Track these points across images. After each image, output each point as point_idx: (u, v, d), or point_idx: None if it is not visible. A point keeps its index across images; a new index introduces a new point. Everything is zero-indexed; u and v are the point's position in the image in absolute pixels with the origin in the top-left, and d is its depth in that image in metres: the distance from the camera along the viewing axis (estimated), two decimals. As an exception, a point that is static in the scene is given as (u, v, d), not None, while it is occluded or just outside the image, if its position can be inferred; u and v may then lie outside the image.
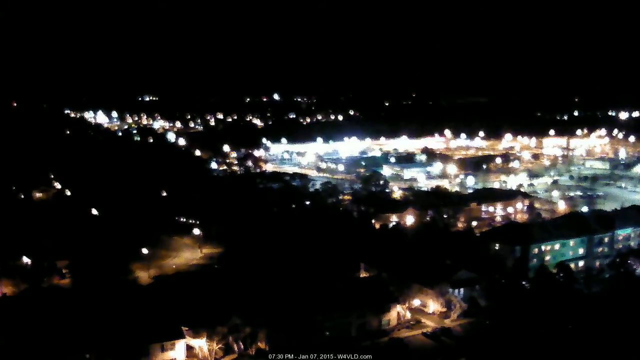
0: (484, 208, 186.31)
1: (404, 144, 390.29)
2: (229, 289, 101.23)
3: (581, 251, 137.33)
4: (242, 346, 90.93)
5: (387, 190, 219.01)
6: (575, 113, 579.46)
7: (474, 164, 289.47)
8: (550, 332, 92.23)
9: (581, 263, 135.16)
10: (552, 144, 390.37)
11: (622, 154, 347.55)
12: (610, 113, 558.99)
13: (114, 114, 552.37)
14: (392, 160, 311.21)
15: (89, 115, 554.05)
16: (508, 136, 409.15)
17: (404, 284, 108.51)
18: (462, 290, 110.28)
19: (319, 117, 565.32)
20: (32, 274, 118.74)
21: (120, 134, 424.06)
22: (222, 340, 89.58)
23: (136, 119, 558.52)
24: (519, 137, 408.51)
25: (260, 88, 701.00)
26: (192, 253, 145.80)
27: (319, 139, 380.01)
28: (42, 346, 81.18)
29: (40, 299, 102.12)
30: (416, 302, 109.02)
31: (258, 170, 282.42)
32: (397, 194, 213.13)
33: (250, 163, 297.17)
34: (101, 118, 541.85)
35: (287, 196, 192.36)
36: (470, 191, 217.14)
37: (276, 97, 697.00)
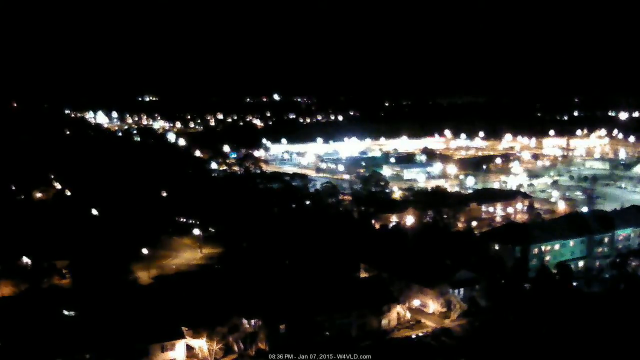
0: (484, 208, 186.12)
1: (404, 144, 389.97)
2: (229, 289, 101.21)
3: (581, 251, 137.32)
4: (242, 346, 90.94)
5: (387, 191, 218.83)
6: (575, 113, 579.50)
7: (474, 164, 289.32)
8: (550, 332, 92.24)
9: (581, 263, 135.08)
10: (552, 144, 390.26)
11: (622, 154, 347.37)
12: (610, 113, 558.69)
13: (114, 114, 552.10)
14: (392, 160, 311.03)
15: (89, 116, 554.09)
16: (508, 136, 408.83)
17: (404, 284, 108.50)
18: (462, 290, 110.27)
19: (319, 117, 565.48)
20: (32, 274, 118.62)
21: (120, 134, 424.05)
22: (222, 340, 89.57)
23: (136, 119, 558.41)
24: (519, 137, 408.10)
25: (260, 88, 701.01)
26: (192, 253, 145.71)
27: (319, 139, 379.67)
28: (42, 346, 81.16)
29: (40, 299, 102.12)
30: (416, 302, 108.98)
31: (258, 170, 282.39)
32: (397, 194, 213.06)
33: (250, 163, 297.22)
34: (101, 118, 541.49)
35: (287, 196, 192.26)
36: (470, 191, 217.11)
37: (276, 97, 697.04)
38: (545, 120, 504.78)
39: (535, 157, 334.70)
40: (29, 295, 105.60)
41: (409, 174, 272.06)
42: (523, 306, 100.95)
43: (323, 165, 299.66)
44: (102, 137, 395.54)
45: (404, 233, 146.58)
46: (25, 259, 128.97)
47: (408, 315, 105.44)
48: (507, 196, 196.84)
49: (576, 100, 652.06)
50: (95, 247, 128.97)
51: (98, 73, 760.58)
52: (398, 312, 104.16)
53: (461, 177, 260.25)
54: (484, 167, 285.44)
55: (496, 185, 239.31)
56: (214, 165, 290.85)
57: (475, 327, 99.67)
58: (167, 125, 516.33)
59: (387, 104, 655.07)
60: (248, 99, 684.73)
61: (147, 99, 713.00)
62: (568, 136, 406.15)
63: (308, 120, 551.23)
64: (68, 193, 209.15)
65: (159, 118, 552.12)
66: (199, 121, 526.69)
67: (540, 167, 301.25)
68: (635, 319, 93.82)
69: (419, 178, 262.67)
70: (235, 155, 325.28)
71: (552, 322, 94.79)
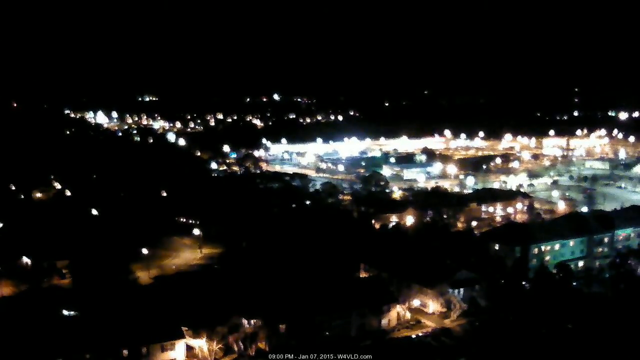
0: (484, 208, 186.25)
1: (404, 144, 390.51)
2: (229, 289, 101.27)
3: (581, 251, 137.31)
4: (242, 346, 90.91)
5: (387, 191, 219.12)
6: (575, 113, 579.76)
7: (474, 164, 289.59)
8: (550, 332, 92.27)
9: (581, 263, 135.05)
10: (552, 144, 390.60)
11: (622, 154, 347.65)
12: (610, 113, 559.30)
13: (114, 114, 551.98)
14: (392, 160, 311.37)
15: (89, 116, 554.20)
16: (508, 136, 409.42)
17: (404, 284, 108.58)
18: (462, 290, 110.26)
19: (319, 117, 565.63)
20: (32, 274, 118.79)
21: (120, 134, 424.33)
22: (222, 340, 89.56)
23: (136, 119, 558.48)
24: (519, 137, 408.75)
25: (260, 88, 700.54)
26: (192, 253, 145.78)
27: (319, 139, 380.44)
28: (42, 346, 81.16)
29: (40, 299, 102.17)
30: (416, 302, 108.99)
31: (258, 170, 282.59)
32: (397, 194, 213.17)
33: (250, 163, 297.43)
34: (101, 118, 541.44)
35: (287, 196, 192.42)
36: (470, 191, 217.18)
37: (276, 97, 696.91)
38: (545, 120, 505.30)
39: (535, 157, 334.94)
40: (29, 295, 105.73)
41: (409, 174, 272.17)
42: (523, 306, 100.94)
43: (323, 165, 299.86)
44: (102, 137, 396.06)
45: (404, 233, 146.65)
46: (25, 259, 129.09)
47: (408, 315, 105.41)
48: (507, 196, 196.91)
49: (576, 100, 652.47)
50: (95, 247, 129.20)
51: (98, 73, 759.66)
52: (398, 312, 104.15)
53: (461, 177, 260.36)
54: (484, 167, 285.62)
55: (496, 185, 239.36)
56: (214, 165, 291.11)
57: (475, 327, 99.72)
58: (167, 125, 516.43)
59: (387, 104, 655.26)
60: (248, 99, 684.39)
61: (147, 99, 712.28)
62: (568, 136, 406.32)
63: (308, 120, 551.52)
64: (68, 193, 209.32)
65: (159, 118, 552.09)
66: (199, 121, 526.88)
67: (540, 167, 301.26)
68: (635, 319, 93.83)
69: (419, 178, 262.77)
70: (235, 155, 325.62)
71: (552, 322, 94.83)
